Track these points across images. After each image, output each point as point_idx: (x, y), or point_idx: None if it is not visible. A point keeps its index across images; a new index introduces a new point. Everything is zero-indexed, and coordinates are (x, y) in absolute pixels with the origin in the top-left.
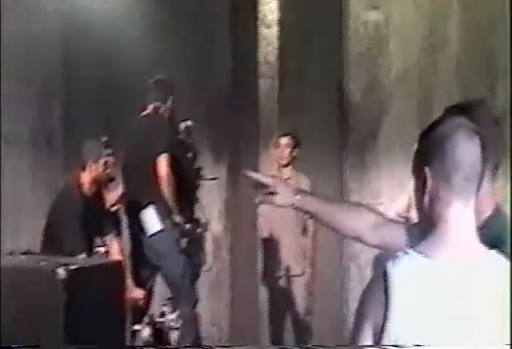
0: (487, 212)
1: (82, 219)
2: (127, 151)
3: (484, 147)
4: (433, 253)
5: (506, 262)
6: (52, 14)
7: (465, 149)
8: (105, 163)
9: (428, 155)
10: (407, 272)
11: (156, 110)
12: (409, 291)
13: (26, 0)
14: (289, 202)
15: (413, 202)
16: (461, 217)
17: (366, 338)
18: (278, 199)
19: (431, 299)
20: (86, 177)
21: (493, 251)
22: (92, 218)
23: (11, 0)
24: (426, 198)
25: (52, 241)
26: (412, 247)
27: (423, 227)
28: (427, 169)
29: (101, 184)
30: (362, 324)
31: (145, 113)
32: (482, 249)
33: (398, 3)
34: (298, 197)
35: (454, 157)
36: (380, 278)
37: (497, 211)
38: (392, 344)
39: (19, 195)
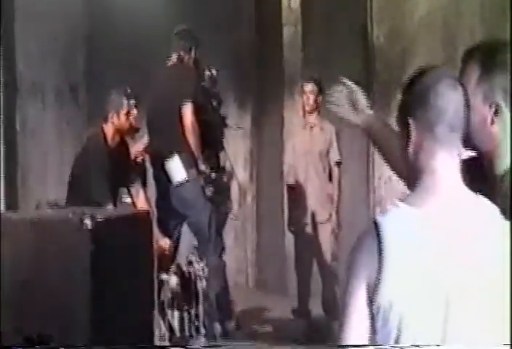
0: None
1: (107, 170)
2: (152, 101)
3: (467, 97)
4: (422, 203)
5: (493, 206)
6: None
7: (448, 99)
8: (127, 113)
9: (412, 106)
10: (398, 222)
11: (180, 59)
12: (401, 241)
13: None
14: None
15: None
16: (447, 166)
17: (360, 297)
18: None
19: (424, 249)
20: (108, 128)
21: (480, 196)
22: (116, 169)
23: None
24: (411, 149)
25: (78, 193)
26: (401, 200)
27: (410, 178)
28: (411, 120)
29: (124, 134)
30: (356, 278)
31: (170, 63)
32: (470, 195)
33: None
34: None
35: (437, 107)
36: (372, 230)
37: None
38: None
39: (44, 147)
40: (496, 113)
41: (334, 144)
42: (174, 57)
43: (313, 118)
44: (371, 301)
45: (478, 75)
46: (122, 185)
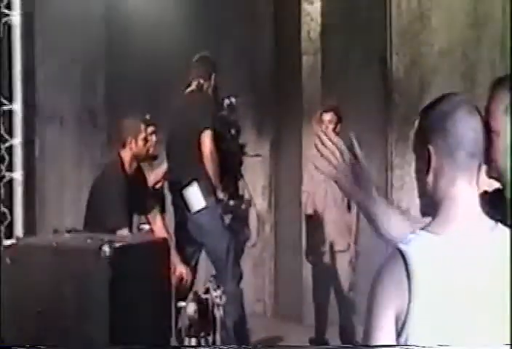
0: None
1: (124, 196)
2: (171, 128)
3: (485, 123)
4: (443, 230)
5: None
6: None
7: (467, 125)
8: (145, 139)
9: (431, 132)
10: (421, 250)
11: (199, 86)
12: (427, 269)
13: None
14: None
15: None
16: (466, 193)
17: (389, 329)
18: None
19: (448, 276)
20: (126, 154)
21: (500, 225)
22: (133, 195)
23: None
24: (431, 176)
25: (95, 218)
26: (422, 228)
27: (428, 206)
28: (431, 147)
29: (142, 161)
30: (380, 309)
31: (189, 89)
32: (489, 222)
33: None
34: None
35: (456, 133)
36: (397, 258)
37: None
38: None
39: (63, 172)
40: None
41: None
42: (193, 84)
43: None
44: (399, 334)
45: (508, 103)
46: (139, 211)
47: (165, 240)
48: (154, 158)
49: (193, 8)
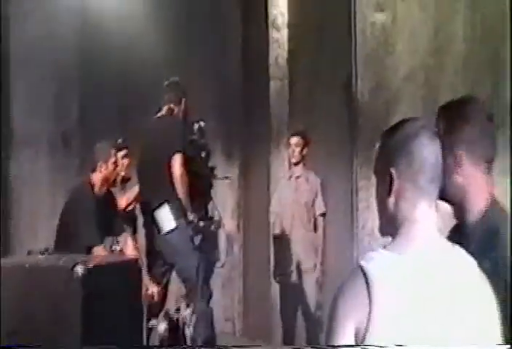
0: (481, 205)
1: (94, 217)
2: (142, 151)
3: (443, 149)
4: (403, 250)
5: (468, 255)
6: (68, 19)
7: (428, 149)
8: (115, 163)
9: (393, 156)
10: (382, 268)
11: (170, 111)
12: (387, 286)
13: (46, 4)
14: None
15: None
16: (426, 215)
17: (348, 339)
18: None
19: (407, 292)
20: (96, 177)
21: (457, 246)
22: (102, 217)
23: (32, 3)
24: (392, 199)
25: (66, 239)
26: (384, 247)
27: (388, 227)
28: (393, 170)
29: (112, 184)
30: (341, 324)
31: (159, 114)
32: (447, 244)
33: (404, 5)
34: None
35: (418, 157)
36: (359, 275)
37: (494, 203)
38: (376, 344)
39: (36, 195)
40: (459, 164)
41: (319, 195)
42: (164, 109)
43: (298, 170)
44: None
45: (443, 128)
46: (109, 233)
47: (136, 260)
48: (127, 180)
49: (163, 33)
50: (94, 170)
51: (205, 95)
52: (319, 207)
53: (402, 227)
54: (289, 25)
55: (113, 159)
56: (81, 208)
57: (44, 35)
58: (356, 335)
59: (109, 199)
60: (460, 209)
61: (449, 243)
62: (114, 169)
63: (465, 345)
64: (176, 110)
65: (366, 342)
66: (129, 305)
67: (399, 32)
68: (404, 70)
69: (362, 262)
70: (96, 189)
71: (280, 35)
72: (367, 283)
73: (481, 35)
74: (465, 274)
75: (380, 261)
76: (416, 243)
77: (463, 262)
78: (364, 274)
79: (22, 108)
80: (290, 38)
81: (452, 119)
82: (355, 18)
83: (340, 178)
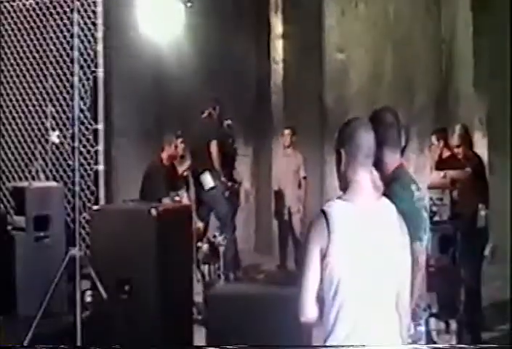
0: (391, 168)
1: (163, 179)
2: (193, 139)
3: (375, 137)
4: (352, 200)
5: (390, 203)
6: (148, 53)
7: (365, 138)
8: (176, 147)
9: (343, 142)
10: (338, 211)
11: (209, 114)
12: (342, 224)
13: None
14: None
15: None
16: (364, 178)
17: (314, 259)
18: None
19: (354, 225)
20: (164, 155)
21: (383, 198)
22: (168, 180)
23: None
24: (342, 168)
25: (146, 193)
26: (338, 197)
27: (342, 185)
28: (342, 151)
29: (174, 159)
30: (311, 245)
31: (203, 116)
32: (378, 196)
33: (355, 48)
34: None
35: (359, 142)
36: (322, 216)
37: (400, 167)
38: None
39: (130, 166)
40: (381, 149)
41: (302, 166)
42: (206, 113)
43: (289, 150)
44: (322, 259)
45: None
46: (173, 189)
47: (189, 206)
48: (183, 157)
49: (205, 68)
50: (163, 150)
51: (232, 104)
52: (302, 173)
53: (350, 185)
54: (283, 61)
55: (174, 144)
56: (155, 174)
57: (129, 66)
58: (320, 252)
59: (172, 169)
60: (383, 173)
61: (378, 194)
62: (175, 150)
63: (392, 250)
64: (213, 113)
65: (327, 257)
66: (185, 234)
67: (352, 65)
68: (354, 88)
69: (324, 207)
70: (164, 162)
71: (278, 67)
72: (327, 220)
73: (401, 70)
74: (389, 214)
75: (335, 206)
76: (358, 195)
77: (387, 207)
78: (325, 215)
79: (119, 113)
80: (284, 68)
81: (375, 122)
82: (324, 56)
83: (315, 155)
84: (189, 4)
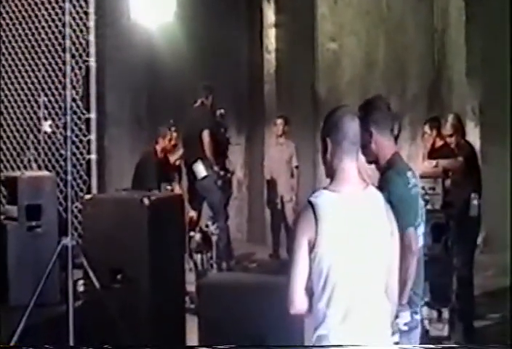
0: (388, 155)
1: (156, 170)
2: (185, 128)
3: (360, 125)
4: (338, 189)
5: (377, 191)
6: (140, 41)
7: (349, 126)
8: (170, 139)
9: (328, 130)
10: (324, 201)
11: (202, 103)
12: (328, 213)
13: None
14: None
15: None
16: (350, 166)
17: (303, 250)
18: None
19: (341, 215)
20: (158, 147)
21: (370, 186)
22: (162, 170)
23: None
24: (328, 156)
25: (138, 183)
26: (324, 188)
27: (328, 173)
28: (328, 139)
29: (167, 151)
30: (299, 237)
31: (196, 105)
32: (364, 185)
33: (348, 37)
34: None
35: (343, 131)
36: (309, 206)
37: (396, 154)
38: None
39: (122, 155)
40: (371, 136)
41: (294, 155)
42: (198, 102)
43: (281, 139)
44: (311, 251)
45: (362, 115)
46: (165, 179)
47: (181, 196)
48: (175, 145)
49: (199, 56)
50: (157, 142)
51: (225, 93)
52: (294, 162)
53: (336, 174)
54: (276, 50)
55: (168, 137)
56: (148, 164)
57: (123, 57)
58: (309, 244)
59: (165, 160)
60: (376, 162)
61: (365, 183)
62: (169, 143)
63: (380, 238)
64: (206, 102)
65: (315, 248)
66: (177, 223)
67: (344, 54)
68: (347, 78)
69: (311, 198)
70: (158, 154)
71: (270, 57)
72: (314, 211)
73: (394, 58)
74: (376, 202)
75: (322, 197)
76: (344, 184)
77: (374, 195)
78: (312, 206)
79: (112, 104)
80: (276, 58)
81: (367, 109)
82: (317, 45)
83: (307, 144)
84: None
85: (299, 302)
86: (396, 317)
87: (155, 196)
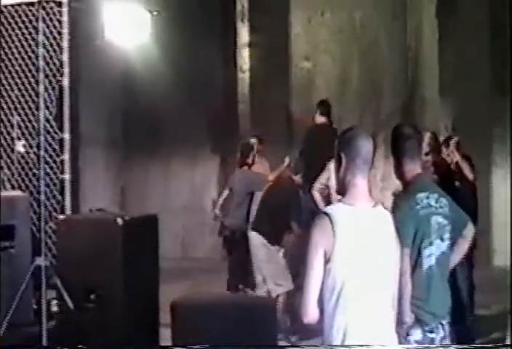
0: (409, 177)
1: None
2: None
3: (374, 145)
4: (351, 203)
5: (384, 209)
6: (114, 61)
7: (364, 145)
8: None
9: (343, 147)
10: (340, 213)
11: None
12: (344, 225)
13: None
14: None
15: (332, 176)
16: (361, 183)
17: (318, 261)
18: None
19: (354, 227)
20: None
21: (380, 205)
22: None
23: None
24: (342, 172)
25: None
26: (339, 201)
27: (340, 188)
28: (342, 155)
29: None
30: (315, 246)
31: None
32: (373, 202)
33: (322, 56)
34: None
35: (357, 148)
36: (326, 217)
37: (419, 175)
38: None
39: (96, 175)
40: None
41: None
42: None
43: (256, 158)
44: (326, 262)
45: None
46: None
47: (155, 216)
48: None
49: (173, 76)
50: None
51: (199, 112)
52: None
53: (348, 189)
54: (250, 69)
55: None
56: None
57: (98, 74)
58: (325, 255)
59: None
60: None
61: (374, 202)
62: None
63: (389, 253)
64: None
65: (330, 262)
66: (152, 241)
67: (318, 73)
68: (321, 97)
69: (327, 210)
70: None
71: (244, 76)
72: (331, 222)
73: (367, 76)
74: (385, 219)
75: (337, 209)
76: (356, 199)
77: (382, 213)
78: (329, 217)
79: (87, 123)
80: (250, 77)
81: (395, 135)
82: (291, 64)
83: (281, 163)
84: (155, 13)
85: (312, 312)
86: (407, 334)
87: (128, 216)
